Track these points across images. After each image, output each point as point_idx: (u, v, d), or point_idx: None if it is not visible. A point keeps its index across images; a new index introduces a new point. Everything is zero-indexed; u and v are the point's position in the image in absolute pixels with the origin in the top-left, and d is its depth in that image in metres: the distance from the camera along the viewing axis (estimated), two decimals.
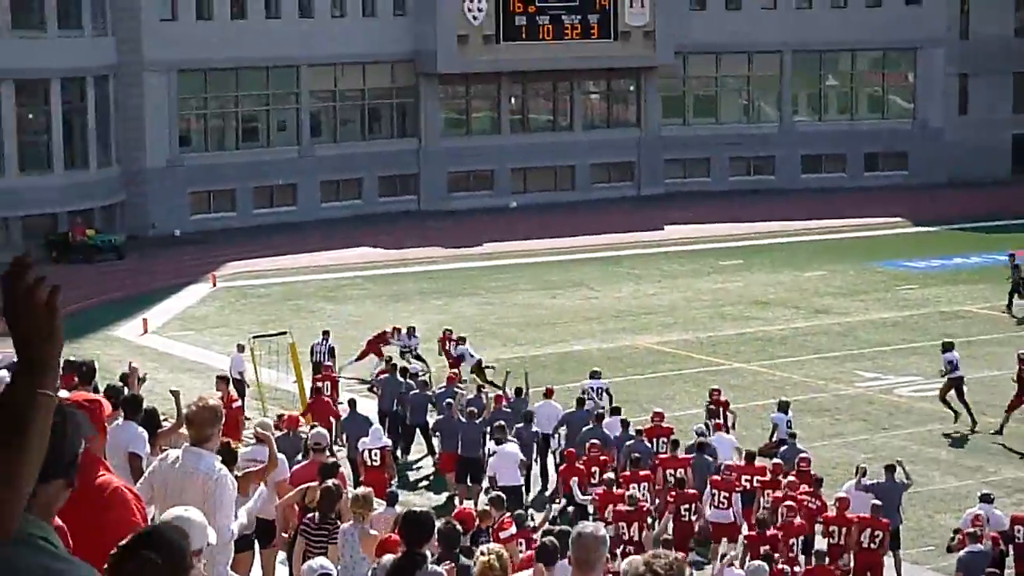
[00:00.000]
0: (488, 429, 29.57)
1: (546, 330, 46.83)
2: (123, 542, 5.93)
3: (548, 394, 32.30)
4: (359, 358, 40.42)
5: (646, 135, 76.80)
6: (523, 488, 28.16)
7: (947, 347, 36.61)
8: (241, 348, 38.07)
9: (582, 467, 27.81)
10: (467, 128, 75.15)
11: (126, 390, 17.49)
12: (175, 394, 17.94)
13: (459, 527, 13.83)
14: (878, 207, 70.25)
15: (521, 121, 75.95)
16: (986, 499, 25.68)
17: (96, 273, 56.92)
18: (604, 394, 33.42)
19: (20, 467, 3.87)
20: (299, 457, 24.23)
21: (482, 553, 11.39)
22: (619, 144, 76.01)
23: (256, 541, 18.20)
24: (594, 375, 34.26)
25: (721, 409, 32.16)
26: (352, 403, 31.90)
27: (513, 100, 75.65)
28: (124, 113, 64.61)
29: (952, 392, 35.69)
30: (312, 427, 25.64)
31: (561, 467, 29.11)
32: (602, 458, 28.01)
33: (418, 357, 39.47)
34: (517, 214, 70.60)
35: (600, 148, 75.40)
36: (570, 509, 27.64)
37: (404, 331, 40.44)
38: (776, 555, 23.09)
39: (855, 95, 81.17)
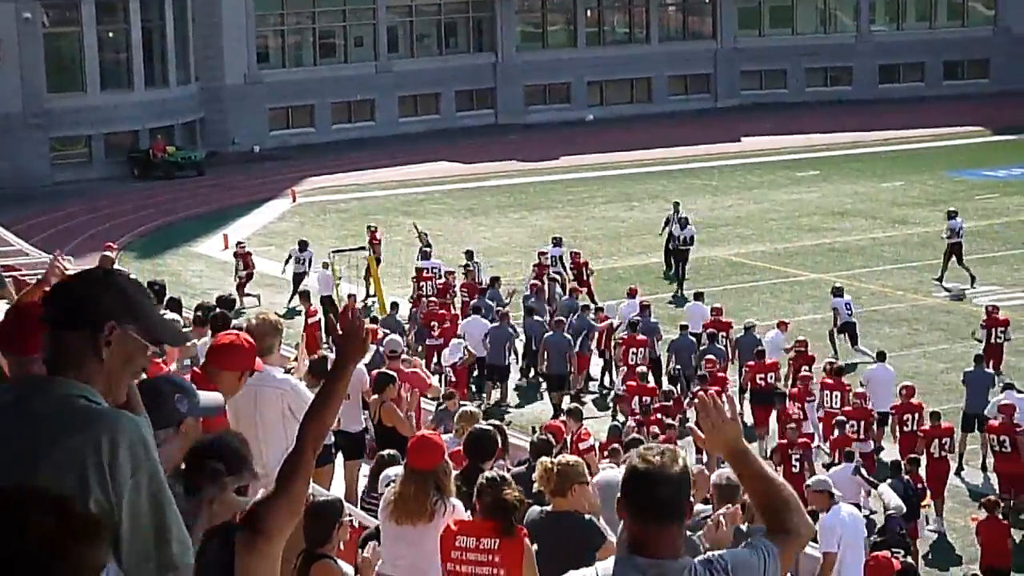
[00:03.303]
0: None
1: (623, 242, 46.98)
2: (190, 451, 6.28)
3: (631, 293, 34.87)
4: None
5: (722, 46, 76.42)
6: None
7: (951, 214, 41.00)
8: (326, 265, 38.44)
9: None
10: (543, 42, 75.02)
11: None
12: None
13: (551, 439, 14.04)
14: (957, 116, 69.62)
15: (597, 34, 75.72)
16: (1010, 387, 26.78)
17: (177, 190, 57.52)
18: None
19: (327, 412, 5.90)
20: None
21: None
22: (695, 56, 75.68)
23: (342, 453, 18.32)
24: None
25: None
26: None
27: (589, 13, 75.41)
28: (202, 31, 64.94)
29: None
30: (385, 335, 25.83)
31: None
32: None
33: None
34: (593, 127, 70.56)
35: (676, 60, 75.09)
36: None
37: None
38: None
39: (934, 2, 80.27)
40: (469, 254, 39.45)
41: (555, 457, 11.21)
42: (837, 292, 34.69)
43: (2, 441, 4.35)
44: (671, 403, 27.20)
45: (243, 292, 39.70)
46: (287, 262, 41.33)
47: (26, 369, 6.74)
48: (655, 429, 24.80)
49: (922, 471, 24.22)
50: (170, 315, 15.95)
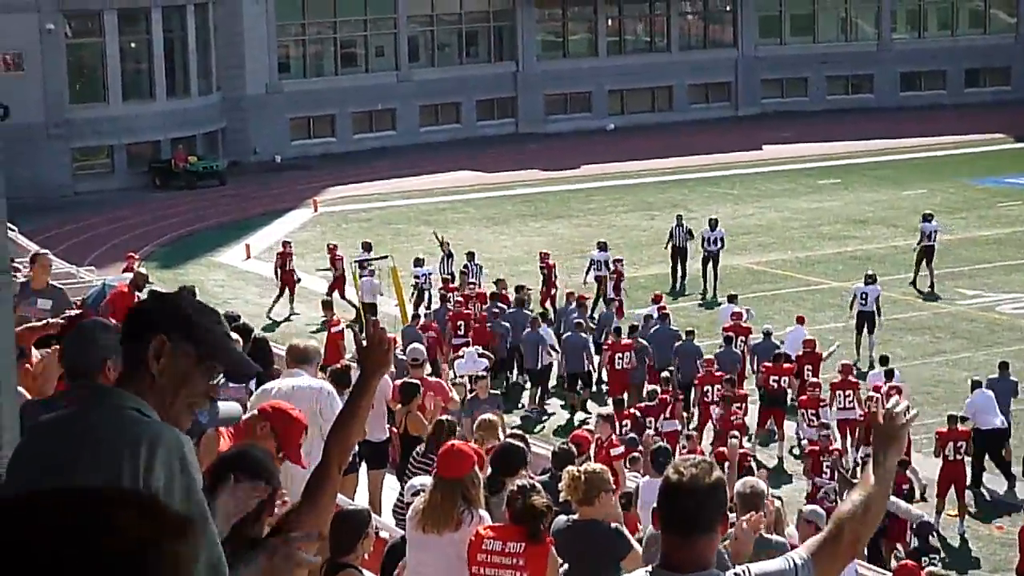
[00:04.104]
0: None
1: (644, 251, 46.98)
2: (213, 462, 6.29)
3: (656, 299, 35.34)
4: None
5: (743, 55, 76.42)
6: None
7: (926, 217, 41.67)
8: (372, 272, 38.33)
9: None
10: (564, 50, 75.09)
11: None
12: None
13: (574, 449, 14.02)
14: (979, 124, 69.48)
15: (618, 43, 75.77)
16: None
17: (198, 199, 57.65)
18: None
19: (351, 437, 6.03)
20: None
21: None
22: (716, 64, 75.68)
23: (364, 462, 18.35)
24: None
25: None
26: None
27: (610, 21, 75.46)
28: (224, 40, 65.11)
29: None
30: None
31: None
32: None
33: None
34: (614, 136, 70.57)
35: (697, 68, 75.11)
36: None
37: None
38: None
39: (956, 10, 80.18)
40: (471, 255, 39.71)
41: (580, 466, 11.24)
42: (869, 279, 35.61)
43: (52, 447, 4.39)
44: (655, 403, 27.23)
45: (343, 295, 39.54)
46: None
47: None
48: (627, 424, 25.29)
49: (928, 472, 24.19)
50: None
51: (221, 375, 4.73)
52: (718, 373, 28.81)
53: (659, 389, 28.04)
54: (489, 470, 11.85)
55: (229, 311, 18.96)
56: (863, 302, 34.94)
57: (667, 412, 27.18)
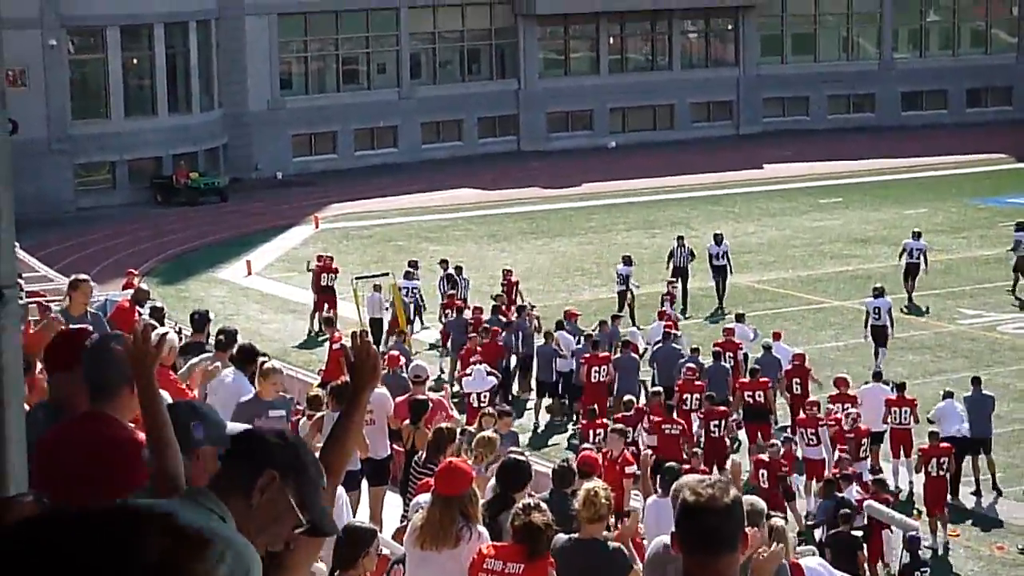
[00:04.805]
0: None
1: (646, 269, 46.88)
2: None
3: (661, 315, 35.67)
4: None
5: (745, 74, 76.52)
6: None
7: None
8: (377, 288, 38.28)
9: None
10: (566, 68, 75.18)
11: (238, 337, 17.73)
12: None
13: (574, 467, 13.98)
14: (980, 143, 69.55)
15: (619, 61, 75.85)
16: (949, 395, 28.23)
17: (200, 216, 57.69)
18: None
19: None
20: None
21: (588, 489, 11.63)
22: (718, 83, 75.78)
23: (365, 479, 18.37)
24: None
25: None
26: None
27: (611, 40, 75.54)
28: (226, 57, 65.20)
29: None
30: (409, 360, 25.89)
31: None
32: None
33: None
34: (616, 154, 70.63)
35: (699, 87, 75.21)
36: None
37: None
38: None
39: (957, 30, 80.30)
40: (458, 269, 39.77)
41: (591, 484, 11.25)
42: (877, 293, 36.07)
43: None
44: (632, 412, 27.33)
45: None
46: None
47: (64, 388, 6.86)
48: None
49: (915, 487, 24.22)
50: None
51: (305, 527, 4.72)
52: (698, 383, 29.15)
53: (634, 400, 28.27)
54: (497, 487, 11.83)
55: (228, 326, 18.91)
56: (876, 316, 35.18)
57: (646, 424, 27.34)
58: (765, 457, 25.35)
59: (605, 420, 27.26)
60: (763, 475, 25.21)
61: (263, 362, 17.20)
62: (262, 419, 15.37)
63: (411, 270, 39.90)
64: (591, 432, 26.78)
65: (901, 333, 37.21)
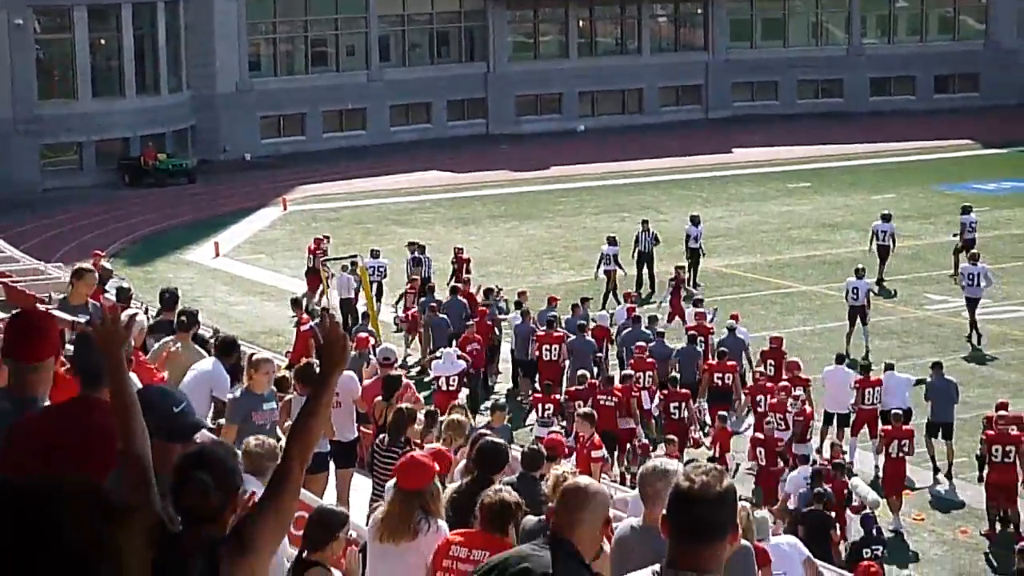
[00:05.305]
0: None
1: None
2: (175, 464, 6.24)
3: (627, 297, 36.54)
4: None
5: (714, 58, 76.57)
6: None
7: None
8: (345, 268, 38.16)
9: None
10: (535, 52, 75.12)
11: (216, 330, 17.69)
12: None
13: (543, 450, 13.95)
14: (948, 129, 69.74)
15: (589, 45, 75.83)
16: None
17: (167, 197, 57.50)
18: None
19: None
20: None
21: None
22: (687, 67, 75.80)
23: (332, 461, 18.28)
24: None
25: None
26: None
27: (581, 23, 75.51)
28: (194, 38, 64.93)
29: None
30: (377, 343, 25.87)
31: None
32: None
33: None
34: (585, 138, 70.63)
35: (668, 71, 75.22)
36: None
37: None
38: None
39: (925, 16, 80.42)
40: (420, 248, 39.80)
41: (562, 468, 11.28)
42: (859, 274, 36.41)
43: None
44: (584, 386, 27.52)
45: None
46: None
47: (24, 377, 6.73)
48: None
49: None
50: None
51: None
52: (649, 360, 29.53)
53: (588, 374, 28.37)
54: (475, 471, 11.79)
55: (197, 311, 18.88)
56: (854, 296, 35.55)
57: (621, 410, 27.47)
58: (761, 435, 25.72)
59: (557, 396, 27.84)
60: (761, 452, 25.62)
61: (252, 354, 17.11)
62: (257, 414, 15.33)
63: (376, 249, 40.12)
64: (540, 407, 27.38)
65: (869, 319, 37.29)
